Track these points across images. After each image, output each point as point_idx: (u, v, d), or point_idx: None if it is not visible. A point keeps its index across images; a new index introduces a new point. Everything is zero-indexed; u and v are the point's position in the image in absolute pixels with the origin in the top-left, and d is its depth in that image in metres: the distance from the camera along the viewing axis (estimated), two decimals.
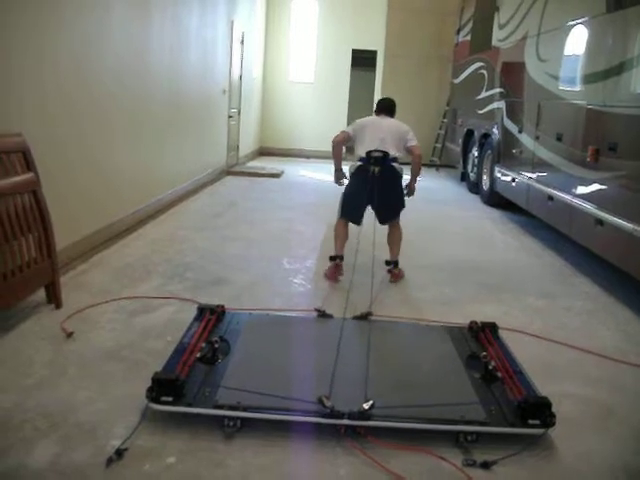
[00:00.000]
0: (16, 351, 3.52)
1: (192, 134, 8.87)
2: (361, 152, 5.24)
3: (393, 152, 5.21)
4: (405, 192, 5.50)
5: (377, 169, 5.13)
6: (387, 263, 5.50)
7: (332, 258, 5.36)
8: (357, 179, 5.30)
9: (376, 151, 5.16)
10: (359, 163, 5.26)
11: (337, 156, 5.48)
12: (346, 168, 5.49)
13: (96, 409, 2.94)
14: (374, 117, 5.59)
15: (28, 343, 3.63)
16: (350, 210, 5.37)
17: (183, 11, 7.96)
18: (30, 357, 3.45)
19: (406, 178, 5.47)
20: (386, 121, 5.46)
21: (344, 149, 5.55)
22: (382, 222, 5.47)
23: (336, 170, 5.55)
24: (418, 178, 5.57)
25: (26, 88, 4.32)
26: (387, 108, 5.62)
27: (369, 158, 5.16)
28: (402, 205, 5.48)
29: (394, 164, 5.25)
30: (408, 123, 5.52)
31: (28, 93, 4.35)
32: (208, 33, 9.39)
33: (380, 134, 5.26)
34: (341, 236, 5.41)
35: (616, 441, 2.98)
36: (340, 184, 5.58)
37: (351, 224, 5.44)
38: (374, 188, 5.15)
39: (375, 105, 5.81)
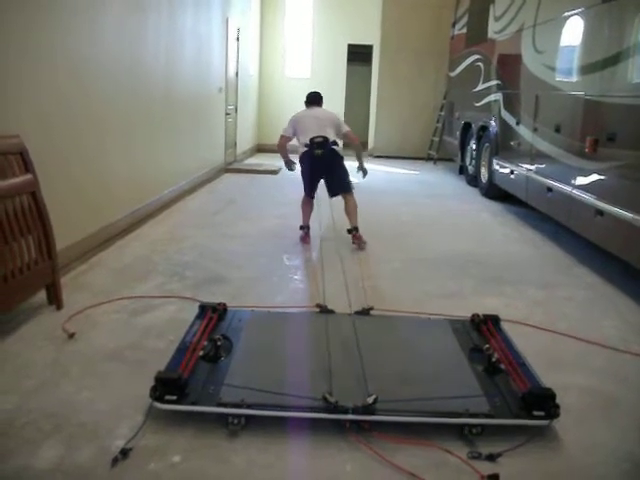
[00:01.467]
0: (18, 352, 3.51)
1: (189, 132, 8.86)
2: (304, 140, 6.12)
3: (332, 136, 6.12)
4: (361, 174, 6.53)
5: (320, 152, 6.04)
6: (349, 231, 6.26)
7: (302, 227, 6.46)
8: (305, 163, 6.21)
9: (317, 137, 6.04)
10: (305, 149, 6.13)
11: (283, 154, 6.48)
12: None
13: (99, 409, 2.94)
14: (306, 110, 6.48)
15: (30, 344, 3.63)
16: (307, 188, 6.34)
17: (178, 9, 7.94)
18: (32, 358, 3.45)
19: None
20: (319, 111, 6.40)
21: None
22: (332, 194, 6.33)
23: (285, 162, 6.59)
24: (364, 159, 6.56)
25: (23, 89, 4.31)
26: (317, 100, 6.52)
27: (312, 144, 6.03)
28: (348, 180, 6.31)
29: (334, 147, 6.12)
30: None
31: (25, 94, 4.34)
32: (203, 31, 9.37)
33: (318, 122, 6.16)
34: (307, 209, 6.45)
35: (620, 431, 2.98)
36: (291, 169, 6.65)
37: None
38: (321, 167, 6.13)
39: (305, 99, 6.61)
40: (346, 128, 6.36)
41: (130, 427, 2.76)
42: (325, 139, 6.04)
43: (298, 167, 6.49)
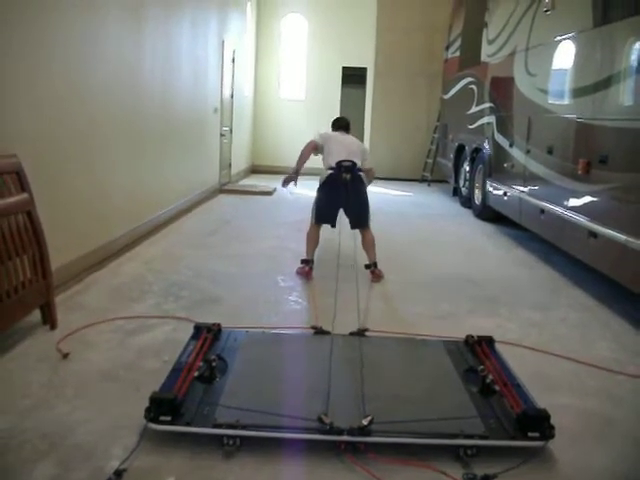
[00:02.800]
0: (12, 372, 3.50)
1: (184, 153, 8.89)
2: (331, 162, 5.75)
3: (359, 163, 5.80)
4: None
5: (348, 176, 5.67)
6: (367, 267, 5.95)
7: (304, 261, 5.96)
8: (329, 186, 5.78)
9: (346, 161, 5.69)
10: (330, 172, 5.75)
11: (301, 161, 6.01)
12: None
13: (94, 429, 2.92)
14: (335, 132, 6.17)
15: (24, 364, 3.62)
16: (325, 215, 5.88)
17: (174, 30, 8.02)
18: (27, 378, 3.44)
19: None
20: (348, 137, 6.11)
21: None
22: (354, 227, 6.03)
23: (294, 172, 6.08)
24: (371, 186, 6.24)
25: (21, 108, 4.34)
26: (345, 126, 6.27)
27: (340, 167, 5.67)
28: (369, 212, 5.98)
29: (361, 174, 5.82)
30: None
31: (21, 114, 4.36)
32: (199, 52, 9.45)
33: (347, 147, 5.86)
34: (313, 241, 6.00)
35: (616, 452, 2.98)
36: (285, 186, 6.29)
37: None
38: (346, 194, 5.71)
39: (332, 123, 6.38)
40: (368, 164, 6.05)
41: (124, 448, 2.75)
42: (354, 164, 5.72)
43: (296, 190, 6.30)
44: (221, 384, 3.28)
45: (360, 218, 5.92)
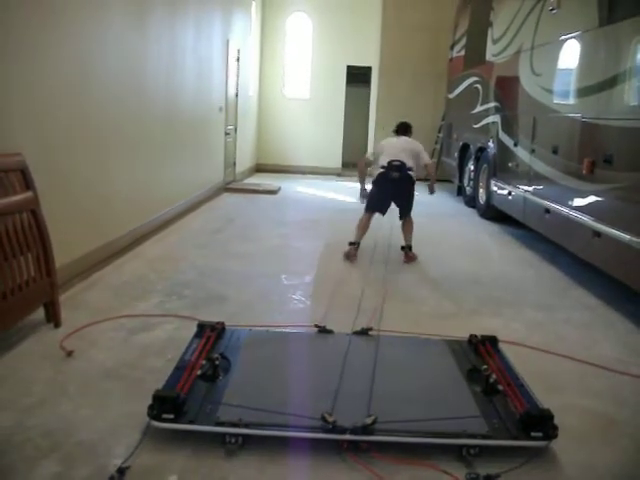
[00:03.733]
0: (16, 370, 3.51)
1: (189, 151, 8.90)
2: (383, 162, 6.52)
3: (409, 163, 6.48)
4: (429, 192, 7.08)
5: (397, 174, 6.45)
6: (402, 248, 6.76)
7: (351, 243, 6.62)
8: (380, 182, 6.57)
9: (395, 160, 6.45)
10: (381, 170, 6.52)
11: (361, 177, 6.85)
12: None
13: (97, 427, 2.93)
14: (390, 138, 6.88)
15: (28, 362, 3.63)
16: (376, 205, 6.70)
17: (179, 30, 8.02)
18: (30, 376, 3.44)
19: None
20: (403, 139, 6.78)
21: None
22: (401, 217, 6.81)
23: (361, 189, 6.88)
24: (435, 185, 7.19)
25: (24, 107, 4.35)
26: (404, 129, 6.93)
27: (390, 166, 6.44)
28: (412, 205, 6.79)
29: (410, 172, 6.51)
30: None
31: (26, 112, 4.37)
32: (204, 51, 9.45)
33: (398, 149, 6.58)
34: (363, 227, 6.70)
35: (619, 452, 2.98)
36: (362, 201, 6.87)
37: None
38: (394, 191, 6.58)
39: (397, 127, 7.04)
40: (427, 159, 6.82)
41: (127, 446, 2.75)
42: (402, 163, 6.44)
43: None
44: (224, 382, 3.29)
45: (405, 210, 6.77)
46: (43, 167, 4.42)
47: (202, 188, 9.83)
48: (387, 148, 6.64)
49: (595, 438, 3.11)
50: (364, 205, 6.81)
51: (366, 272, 5.99)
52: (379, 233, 7.27)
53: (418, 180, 6.71)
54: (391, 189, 6.56)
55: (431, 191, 7.06)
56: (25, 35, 4.28)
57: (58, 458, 2.67)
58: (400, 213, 6.81)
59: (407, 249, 6.70)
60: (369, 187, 6.79)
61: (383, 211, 6.79)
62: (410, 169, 6.51)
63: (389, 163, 6.46)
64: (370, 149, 15.35)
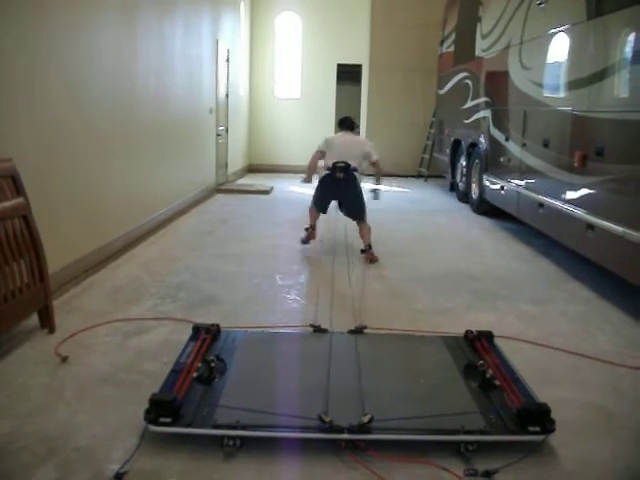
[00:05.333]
0: (11, 377, 3.49)
1: (181, 153, 8.88)
2: (329, 163, 6.59)
3: (354, 164, 6.55)
4: (373, 195, 7.00)
5: (341, 175, 6.49)
6: (362, 251, 6.65)
7: (307, 229, 6.92)
8: (324, 183, 6.69)
9: (340, 162, 6.49)
10: (327, 172, 6.60)
11: (312, 168, 6.95)
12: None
13: (94, 433, 2.91)
14: (340, 134, 7.00)
15: (23, 368, 3.61)
16: (319, 203, 6.82)
17: (168, 31, 8.00)
18: (26, 382, 3.43)
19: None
20: (350, 137, 6.91)
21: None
22: (349, 216, 6.86)
23: (307, 175, 7.07)
24: (382, 185, 7.24)
25: (16, 111, 4.33)
26: (349, 125, 7.03)
27: (335, 167, 6.50)
28: (364, 206, 6.72)
29: (355, 173, 6.58)
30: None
31: (18, 116, 4.36)
32: (193, 52, 9.43)
33: (344, 150, 6.64)
34: (313, 213, 6.90)
35: (617, 445, 2.98)
36: (307, 182, 7.10)
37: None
38: (339, 190, 6.60)
39: (338, 124, 7.21)
40: (375, 157, 6.79)
41: (125, 450, 2.74)
42: (347, 164, 6.49)
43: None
44: (220, 385, 3.28)
45: (354, 211, 6.73)
46: (33, 172, 4.40)
47: (194, 190, 9.81)
48: (334, 147, 6.69)
49: (593, 431, 3.11)
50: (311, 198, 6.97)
51: (361, 270, 5.99)
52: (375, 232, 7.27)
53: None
54: (336, 190, 6.61)
55: (376, 196, 7.02)
56: (13, 39, 4.26)
57: (56, 464, 2.66)
58: (349, 214, 6.81)
59: (367, 249, 6.56)
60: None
61: (325, 209, 6.87)
62: (355, 169, 6.57)
63: (334, 165, 6.50)
64: (369, 148, 15.37)
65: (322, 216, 6.91)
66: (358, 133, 6.98)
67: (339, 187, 6.56)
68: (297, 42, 15.46)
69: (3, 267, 3.70)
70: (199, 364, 3.39)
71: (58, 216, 4.94)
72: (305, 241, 6.92)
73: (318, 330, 4.12)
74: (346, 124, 7.02)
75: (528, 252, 7.18)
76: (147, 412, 2.88)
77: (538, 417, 2.90)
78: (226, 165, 12.44)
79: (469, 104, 10.08)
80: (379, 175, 7.03)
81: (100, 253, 5.78)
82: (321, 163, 6.80)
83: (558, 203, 6.10)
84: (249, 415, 2.90)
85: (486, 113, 9.10)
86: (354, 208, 6.69)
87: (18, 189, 3.97)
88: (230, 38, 12.33)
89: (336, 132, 7.10)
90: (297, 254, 6.73)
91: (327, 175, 6.60)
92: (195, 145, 9.93)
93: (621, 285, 5.27)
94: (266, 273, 5.89)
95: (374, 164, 6.81)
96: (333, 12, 15.03)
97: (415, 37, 14.35)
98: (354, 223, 6.79)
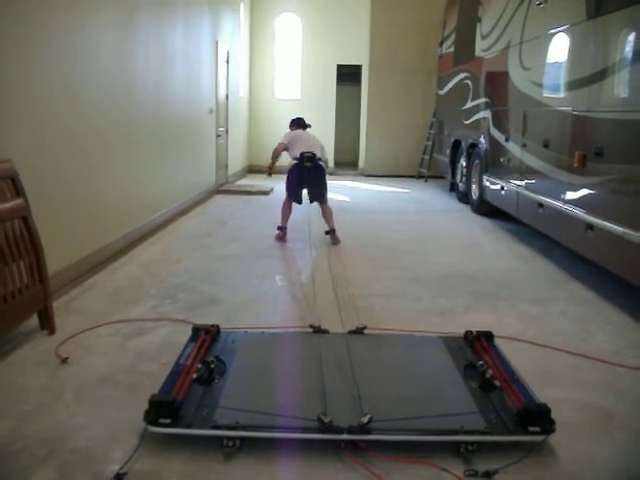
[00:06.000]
0: (11, 378, 3.49)
1: (180, 155, 8.88)
2: (296, 154, 7.22)
3: (319, 154, 7.28)
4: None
5: (309, 164, 7.14)
6: (327, 232, 7.34)
7: (279, 228, 7.44)
8: (294, 173, 7.28)
9: (307, 152, 7.16)
10: (295, 162, 7.22)
11: (274, 158, 7.63)
12: None
13: (93, 434, 2.91)
14: (297, 130, 7.66)
15: (23, 370, 3.61)
16: (292, 194, 7.38)
17: (167, 33, 8.01)
18: (25, 383, 3.43)
19: None
20: (308, 133, 7.64)
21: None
22: (312, 201, 7.46)
23: (269, 165, 7.78)
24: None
25: (15, 112, 4.34)
26: (304, 124, 7.77)
27: (302, 157, 7.13)
28: (326, 190, 7.44)
29: (320, 162, 7.27)
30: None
31: (17, 117, 4.36)
32: (193, 54, 9.44)
33: (308, 142, 7.38)
34: (287, 212, 7.46)
35: (617, 445, 2.98)
36: (269, 174, 7.92)
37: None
38: (307, 177, 7.20)
39: (292, 123, 7.86)
40: (326, 156, 7.66)
41: (124, 451, 2.74)
42: (314, 154, 7.18)
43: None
44: (220, 385, 3.27)
45: (318, 194, 7.38)
46: (33, 174, 4.40)
47: (195, 191, 9.81)
48: (298, 140, 7.38)
49: (593, 431, 3.11)
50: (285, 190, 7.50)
51: (360, 271, 5.99)
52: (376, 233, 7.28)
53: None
54: (305, 177, 7.19)
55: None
56: (13, 39, 4.26)
57: (55, 466, 2.65)
58: (315, 199, 7.42)
59: (332, 232, 7.28)
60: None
61: (298, 200, 7.39)
62: (320, 159, 7.28)
63: (302, 154, 7.14)
64: (362, 146, 15.45)
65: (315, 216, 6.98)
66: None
67: (308, 174, 7.18)
68: (297, 43, 15.46)
69: (3, 268, 3.70)
70: (199, 365, 3.39)
71: (58, 217, 4.95)
72: (279, 239, 7.37)
73: (318, 331, 4.12)
74: (301, 123, 7.79)
75: (528, 252, 7.18)
76: (147, 413, 2.88)
77: (538, 417, 2.90)
78: (226, 166, 12.44)
79: (469, 105, 10.08)
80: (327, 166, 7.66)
81: (100, 254, 5.78)
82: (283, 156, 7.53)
83: (558, 203, 6.09)
84: (249, 416, 2.89)
85: (486, 113, 9.10)
86: (319, 191, 7.35)
87: (18, 190, 3.97)
88: (230, 39, 12.34)
89: (292, 130, 7.71)
90: (296, 255, 6.72)
91: (296, 165, 7.22)
92: (195, 146, 9.93)
93: (621, 285, 5.27)
94: (266, 274, 5.89)
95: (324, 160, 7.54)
96: (333, 13, 15.04)
97: (415, 38, 14.36)
98: (354, 226, 6.92)
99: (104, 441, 2.85)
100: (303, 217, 7.09)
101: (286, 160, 7.43)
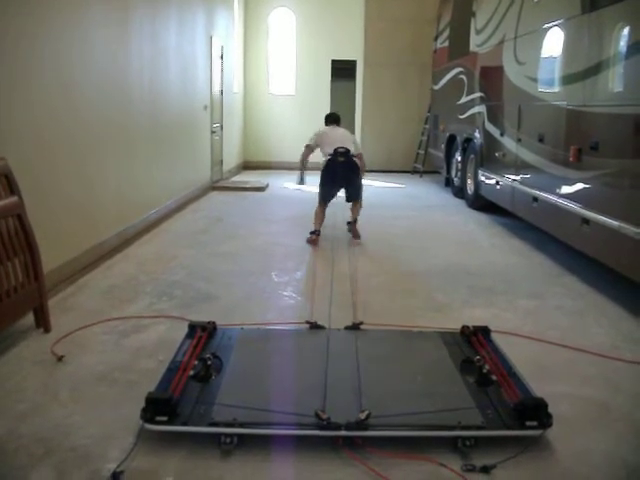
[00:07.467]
0: (7, 377, 3.48)
1: (175, 151, 8.85)
2: (329, 150, 7.02)
3: (352, 150, 7.06)
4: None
5: (342, 159, 6.95)
6: (348, 223, 7.41)
7: (312, 232, 7.06)
8: (328, 171, 7.07)
9: (340, 148, 6.97)
10: (328, 158, 7.02)
11: (302, 164, 7.49)
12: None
13: (90, 432, 2.91)
14: (329, 127, 7.48)
15: (19, 368, 3.60)
16: (326, 195, 7.16)
17: (161, 29, 7.97)
18: (21, 382, 3.42)
19: None
20: (340, 129, 7.43)
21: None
22: (348, 200, 7.31)
23: (300, 174, 7.59)
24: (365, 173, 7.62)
25: (9, 109, 4.32)
26: (336, 120, 7.59)
27: (336, 153, 6.94)
28: (361, 188, 7.31)
29: (355, 158, 7.06)
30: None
31: (11, 114, 4.34)
32: (187, 49, 9.40)
33: (340, 137, 7.19)
34: (319, 217, 7.14)
35: (614, 439, 2.98)
36: (301, 183, 7.58)
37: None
38: (342, 174, 7.02)
39: (325, 118, 7.72)
40: (360, 150, 7.39)
41: (121, 449, 2.73)
42: (347, 150, 6.99)
43: (309, 180, 7.54)
44: (217, 382, 3.27)
45: (356, 195, 7.25)
46: (27, 172, 4.38)
47: (190, 187, 9.79)
48: (328, 138, 7.20)
49: (590, 425, 3.11)
50: (318, 195, 7.25)
51: (357, 267, 5.98)
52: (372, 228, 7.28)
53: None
54: (339, 173, 7.02)
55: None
56: (8, 37, 4.24)
57: (52, 464, 2.65)
58: (349, 196, 7.27)
59: (353, 223, 7.32)
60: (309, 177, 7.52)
61: (330, 198, 7.23)
62: (354, 155, 7.07)
63: (335, 150, 6.97)
64: (358, 140, 15.38)
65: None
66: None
67: (342, 169, 6.99)
68: (291, 38, 15.41)
69: None
70: (195, 362, 3.37)
71: (53, 215, 4.93)
72: (311, 242, 7.00)
73: (314, 327, 4.12)
74: (334, 118, 7.61)
75: (524, 246, 7.18)
76: (143, 411, 2.87)
77: (535, 412, 2.90)
78: (221, 162, 12.41)
79: (464, 99, 10.07)
80: (362, 170, 7.31)
81: (95, 252, 5.77)
82: (314, 158, 7.32)
83: (553, 198, 6.09)
84: (246, 412, 2.89)
85: (481, 108, 9.09)
86: (357, 190, 7.22)
87: (12, 188, 3.95)
88: (224, 35, 12.30)
89: (327, 126, 7.55)
90: (292, 251, 6.71)
91: (329, 161, 7.02)
92: (190, 142, 9.90)
93: (617, 279, 5.27)
94: (262, 270, 5.88)
95: (359, 156, 7.22)
96: (327, 8, 14.98)
97: (409, 32, 14.31)
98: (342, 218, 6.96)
99: (101, 439, 2.85)
100: (301, 215, 7.05)
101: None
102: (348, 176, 7.08)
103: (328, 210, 7.29)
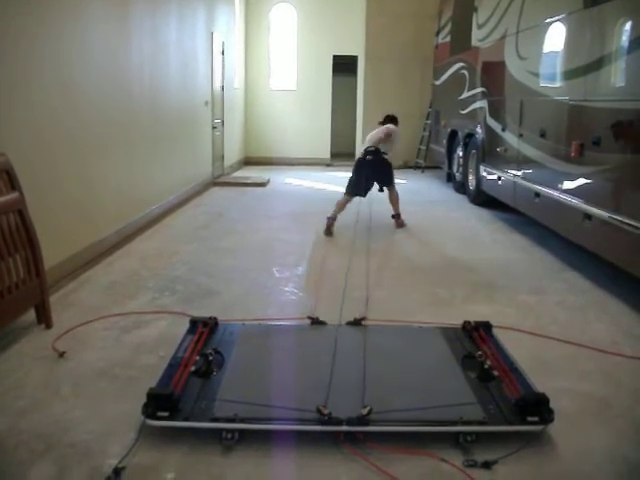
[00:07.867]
0: (8, 373, 3.48)
1: (177, 147, 8.85)
2: (362, 149, 7.76)
3: (383, 148, 7.60)
4: None
5: (370, 157, 7.54)
6: (393, 216, 7.92)
7: (329, 218, 7.36)
8: (357, 166, 7.66)
9: (370, 147, 7.61)
10: (359, 156, 7.75)
11: (340, 208, 7.54)
12: None
13: (91, 428, 2.91)
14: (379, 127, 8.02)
15: (20, 364, 3.60)
16: (354, 189, 7.58)
17: (162, 24, 7.96)
18: (22, 378, 3.42)
19: None
20: (379, 128, 7.92)
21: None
22: (381, 188, 7.80)
23: (334, 214, 7.59)
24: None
25: (9, 105, 4.32)
26: (384, 120, 8.16)
27: (366, 152, 7.61)
28: (392, 176, 7.86)
29: (385, 156, 7.61)
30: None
31: (11, 111, 4.34)
32: (188, 45, 9.39)
33: (373, 137, 7.74)
34: (340, 206, 7.52)
35: (615, 434, 2.98)
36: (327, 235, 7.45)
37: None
38: (368, 169, 7.51)
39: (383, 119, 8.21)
40: (394, 148, 7.94)
41: (123, 445, 2.74)
42: (376, 149, 7.57)
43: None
44: (218, 378, 3.27)
45: (383, 181, 7.74)
46: (28, 167, 4.38)
47: (191, 183, 9.78)
48: (367, 139, 7.85)
49: (591, 421, 3.11)
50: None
51: (357, 262, 5.97)
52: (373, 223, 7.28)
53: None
54: (367, 170, 7.49)
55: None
56: (8, 35, 4.23)
57: (53, 460, 2.65)
58: (380, 185, 7.74)
59: (396, 217, 7.88)
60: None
61: (363, 193, 7.61)
62: (385, 153, 7.60)
63: (365, 150, 7.63)
64: (359, 137, 15.41)
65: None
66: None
67: (369, 166, 7.50)
68: (292, 34, 15.39)
69: None
70: (197, 357, 3.38)
71: (54, 210, 4.93)
72: (327, 232, 7.27)
73: (316, 322, 4.11)
74: (385, 118, 8.20)
75: (525, 242, 7.17)
76: (145, 406, 2.87)
77: (537, 407, 2.90)
78: (222, 158, 12.41)
79: (465, 95, 10.05)
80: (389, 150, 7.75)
81: (96, 248, 5.77)
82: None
83: (556, 193, 6.08)
84: (247, 408, 2.89)
85: (483, 103, 9.07)
86: (383, 177, 7.70)
87: (13, 183, 3.95)
88: (225, 30, 12.28)
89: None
90: (294, 246, 6.71)
91: (359, 159, 7.71)
92: (191, 138, 9.89)
93: (618, 274, 5.26)
94: (263, 266, 5.88)
95: (388, 137, 7.71)
96: (328, 3, 14.97)
97: (411, 27, 14.27)
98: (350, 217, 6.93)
99: (102, 435, 2.85)
100: (302, 210, 7.05)
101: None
102: (376, 171, 7.57)
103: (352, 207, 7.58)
